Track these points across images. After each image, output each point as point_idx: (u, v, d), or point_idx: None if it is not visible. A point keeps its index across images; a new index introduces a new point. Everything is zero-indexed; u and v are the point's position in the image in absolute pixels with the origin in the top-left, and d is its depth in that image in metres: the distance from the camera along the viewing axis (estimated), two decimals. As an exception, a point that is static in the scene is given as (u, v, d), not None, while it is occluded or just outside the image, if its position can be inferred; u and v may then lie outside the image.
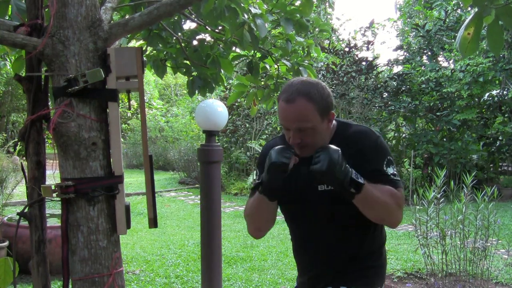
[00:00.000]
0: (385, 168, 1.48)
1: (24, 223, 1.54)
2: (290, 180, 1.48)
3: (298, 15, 2.54)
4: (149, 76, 17.29)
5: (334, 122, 1.57)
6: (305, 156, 1.45)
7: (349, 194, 1.39)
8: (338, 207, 1.51)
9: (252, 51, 2.78)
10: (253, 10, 2.35)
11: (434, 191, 3.75)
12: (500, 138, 9.90)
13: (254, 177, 1.42)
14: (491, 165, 10.33)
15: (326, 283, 1.58)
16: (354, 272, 1.57)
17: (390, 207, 1.45)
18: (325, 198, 1.51)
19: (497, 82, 9.61)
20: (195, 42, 2.78)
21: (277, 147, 1.44)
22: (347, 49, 10.22)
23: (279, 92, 3.02)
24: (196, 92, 2.92)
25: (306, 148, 1.47)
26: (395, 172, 1.50)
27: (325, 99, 1.46)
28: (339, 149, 1.38)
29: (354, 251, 1.57)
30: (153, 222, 1.42)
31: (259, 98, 3.15)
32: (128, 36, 2.65)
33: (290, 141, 1.46)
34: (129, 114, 17.07)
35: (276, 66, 2.98)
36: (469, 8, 8.36)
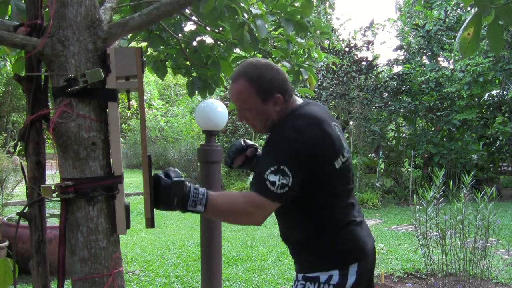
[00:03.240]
0: (268, 171, 1.42)
1: (24, 223, 1.54)
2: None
3: (298, 16, 2.54)
4: (149, 76, 17.28)
5: (300, 106, 1.56)
6: (260, 133, 1.55)
7: (194, 212, 1.43)
8: None
9: (252, 52, 2.78)
10: (253, 11, 2.35)
11: (433, 191, 3.75)
12: (500, 138, 9.90)
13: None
14: (491, 165, 10.33)
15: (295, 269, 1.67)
16: (297, 257, 1.64)
17: (234, 217, 1.51)
18: None
19: (497, 82, 9.61)
20: (195, 43, 2.78)
21: (231, 147, 1.74)
22: (347, 49, 10.22)
23: None
24: (196, 92, 2.92)
25: (254, 127, 1.59)
26: (279, 183, 1.41)
27: (266, 81, 1.50)
28: (168, 184, 1.38)
29: (296, 236, 1.62)
30: (150, 222, 1.42)
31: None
32: (129, 37, 2.66)
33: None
34: (129, 114, 17.07)
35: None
36: (469, 8, 8.36)
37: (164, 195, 1.38)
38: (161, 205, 1.40)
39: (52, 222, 4.19)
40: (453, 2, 10.55)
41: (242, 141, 1.82)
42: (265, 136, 9.52)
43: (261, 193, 1.43)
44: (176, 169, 1.45)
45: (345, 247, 1.56)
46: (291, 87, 1.60)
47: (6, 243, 4.05)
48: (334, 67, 9.72)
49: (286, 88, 1.55)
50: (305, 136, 1.46)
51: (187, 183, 1.41)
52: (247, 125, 11.12)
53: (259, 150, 1.82)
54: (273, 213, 1.60)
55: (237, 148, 1.80)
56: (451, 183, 4.41)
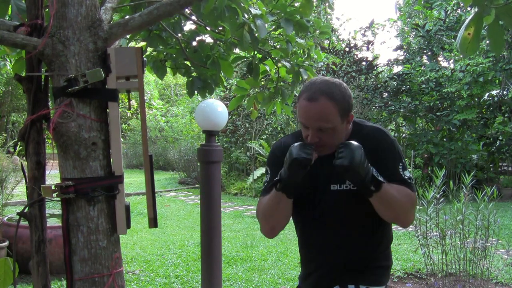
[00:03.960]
0: (401, 171, 1.49)
1: (24, 223, 1.54)
2: (304, 178, 1.48)
3: (298, 16, 2.53)
4: (149, 76, 17.28)
5: (369, 124, 1.60)
6: (321, 155, 1.47)
7: (369, 192, 1.40)
8: (350, 207, 1.52)
9: (252, 52, 2.78)
10: (253, 11, 2.35)
11: (433, 191, 3.75)
12: (500, 138, 9.90)
13: (256, 178, 1.44)
14: (491, 165, 10.33)
15: (333, 281, 1.58)
16: (362, 271, 1.58)
17: (405, 206, 1.46)
18: (337, 197, 1.52)
19: (497, 82, 9.61)
20: (195, 43, 2.78)
21: (297, 144, 1.44)
22: (347, 49, 10.22)
23: (280, 95, 3.03)
24: (196, 92, 2.92)
25: (323, 147, 1.48)
26: (411, 176, 1.51)
27: (346, 100, 1.47)
28: (361, 146, 1.39)
29: (363, 251, 1.58)
30: (153, 222, 1.42)
31: (260, 101, 3.15)
32: (128, 37, 2.65)
33: (308, 139, 1.45)
34: (129, 114, 17.07)
35: (276, 68, 2.98)
36: (469, 8, 8.37)
37: (362, 169, 1.36)
38: (363, 172, 1.37)
39: (52, 222, 4.20)
40: (453, 2, 10.55)
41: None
42: (265, 136, 9.44)
43: (414, 189, 1.48)
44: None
45: (392, 262, 1.67)
46: None
47: (6, 243, 4.05)
48: (334, 67, 9.72)
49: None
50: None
51: None
52: (247, 125, 11.15)
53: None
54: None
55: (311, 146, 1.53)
56: (451, 183, 4.42)
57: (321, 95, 1.43)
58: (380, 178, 1.39)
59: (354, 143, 1.39)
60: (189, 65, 2.85)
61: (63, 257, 1.40)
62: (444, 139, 9.97)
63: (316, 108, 1.43)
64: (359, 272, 1.58)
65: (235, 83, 7.64)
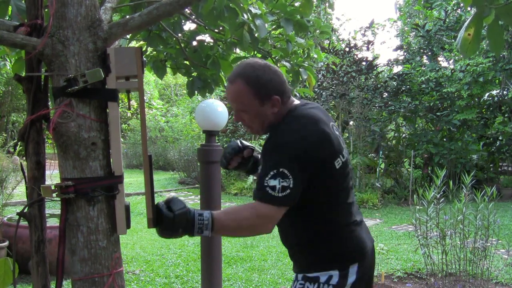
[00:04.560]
0: (268, 176, 1.41)
1: (24, 223, 1.54)
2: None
3: (298, 16, 2.53)
4: (149, 76, 17.29)
5: (296, 107, 1.56)
6: (256, 135, 1.54)
7: (203, 236, 1.47)
8: None
9: (252, 52, 2.78)
10: (253, 10, 2.35)
11: (434, 191, 3.75)
12: (500, 138, 9.90)
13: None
14: (491, 165, 10.33)
15: (293, 269, 1.67)
16: (296, 258, 1.64)
17: (243, 230, 1.49)
18: None
19: (497, 82, 9.61)
20: (195, 43, 2.78)
21: (227, 147, 1.65)
22: (347, 49, 10.22)
23: None
24: (196, 92, 2.92)
25: (251, 128, 1.57)
26: (279, 186, 1.40)
27: (264, 83, 1.48)
28: (172, 216, 1.38)
29: (296, 239, 1.61)
30: (151, 222, 1.42)
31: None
32: (128, 37, 2.65)
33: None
34: (129, 114, 17.07)
35: (276, 67, 2.97)
36: (469, 8, 8.37)
37: (168, 227, 1.39)
38: (166, 235, 1.40)
39: (52, 222, 4.19)
40: (453, 2, 10.55)
41: (239, 142, 1.79)
42: (265, 136, 9.53)
43: (264, 200, 1.42)
44: (178, 198, 1.44)
45: (345, 248, 1.55)
46: (289, 89, 1.59)
47: (6, 243, 4.06)
48: (334, 67, 9.72)
49: (284, 90, 1.54)
50: (302, 136, 1.45)
51: (190, 210, 1.40)
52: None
53: (257, 151, 1.81)
54: None
55: (233, 149, 1.76)
56: (451, 183, 4.42)
57: (236, 77, 1.49)
58: (206, 232, 1.39)
59: (165, 215, 1.38)
60: (189, 65, 2.85)
61: (57, 256, 1.40)
62: (444, 139, 9.97)
63: (231, 90, 1.51)
64: (295, 261, 1.65)
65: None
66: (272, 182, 1.40)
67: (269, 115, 1.53)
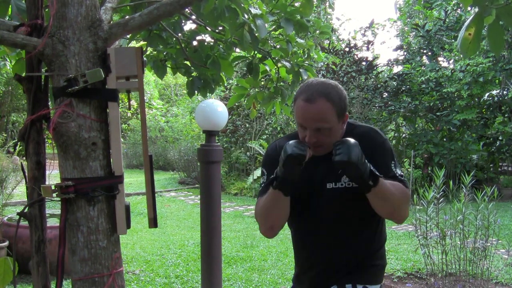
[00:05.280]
0: (393, 168, 1.53)
1: (24, 223, 1.54)
2: (302, 176, 1.50)
3: (298, 16, 2.53)
4: (149, 76, 17.29)
5: (349, 121, 1.62)
6: (318, 155, 1.49)
7: (367, 187, 1.42)
8: (345, 205, 1.54)
9: (252, 52, 2.78)
10: (253, 11, 2.35)
11: (434, 191, 3.75)
12: (500, 138, 9.90)
13: (256, 178, 1.46)
14: (491, 165, 10.32)
15: (330, 281, 1.59)
16: (357, 270, 1.59)
17: (400, 201, 1.49)
18: (332, 196, 1.54)
19: (497, 82, 9.61)
20: (195, 43, 2.78)
21: (291, 142, 1.45)
22: (347, 49, 10.22)
23: (279, 95, 3.03)
24: (196, 92, 2.92)
25: (320, 148, 1.50)
26: (402, 173, 1.55)
27: (343, 100, 1.50)
28: (357, 142, 1.41)
29: (358, 249, 1.59)
30: (153, 222, 1.42)
31: (259, 101, 3.15)
32: (129, 36, 2.65)
33: (306, 139, 1.47)
34: (129, 114, 17.07)
35: (276, 68, 2.98)
36: (469, 8, 8.36)
37: (361, 164, 1.38)
38: (360, 169, 1.38)
39: (52, 222, 4.19)
40: (453, 2, 10.55)
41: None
42: (265, 136, 9.47)
43: (406, 185, 1.52)
44: None
45: (386, 262, 1.69)
46: None
47: (6, 243, 4.05)
48: (334, 67, 9.72)
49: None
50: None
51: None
52: (247, 125, 11.15)
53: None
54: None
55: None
56: (451, 183, 4.42)
57: (319, 96, 1.46)
58: (377, 173, 1.42)
59: (351, 139, 1.41)
60: (189, 65, 2.85)
61: (57, 256, 1.40)
62: (444, 139, 9.97)
63: (314, 109, 1.45)
64: (355, 271, 1.59)
65: (236, 83, 7.64)
66: (399, 171, 1.55)
67: (340, 131, 1.54)
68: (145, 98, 1.50)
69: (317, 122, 1.46)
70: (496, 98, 9.23)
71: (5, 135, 13.62)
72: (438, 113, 9.81)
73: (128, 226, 1.46)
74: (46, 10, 1.64)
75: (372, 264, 1.61)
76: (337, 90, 1.49)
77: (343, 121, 1.53)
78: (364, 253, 1.60)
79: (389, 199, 1.46)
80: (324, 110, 1.45)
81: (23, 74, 1.52)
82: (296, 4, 2.63)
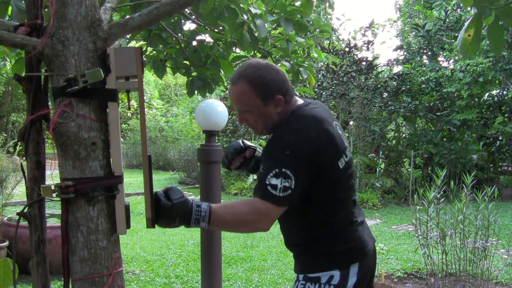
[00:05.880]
0: (269, 175, 1.41)
1: (24, 223, 1.54)
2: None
3: (298, 16, 2.53)
4: (149, 76, 17.30)
5: (300, 107, 1.55)
6: (259, 135, 1.53)
7: (199, 227, 1.42)
8: None
9: (252, 52, 2.78)
10: (253, 11, 2.35)
11: (434, 191, 3.75)
12: (500, 138, 9.90)
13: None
14: (491, 165, 10.33)
15: (294, 270, 1.67)
16: (297, 258, 1.64)
17: (240, 225, 1.48)
18: None
19: (497, 82, 9.61)
20: (194, 43, 2.78)
21: (229, 147, 1.68)
22: (347, 49, 10.21)
23: None
24: (196, 92, 2.92)
25: (255, 129, 1.57)
26: (281, 186, 1.39)
27: (266, 83, 1.49)
28: (169, 205, 1.38)
29: (298, 240, 1.62)
30: (151, 222, 1.42)
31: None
32: (128, 36, 2.65)
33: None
34: (129, 114, 17.08)
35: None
36: (469, 8, 8.37)
37: (165, 216, 1.38)
38: (162, 224, 1.41)
39: (52, 222, 4.20)
40: (453, 2, 10.55)
41: (240, 141, 1.79)
42: (265, 136, 9.48)
43: (264, 198, 1.41)
44: (177, 188, 1.43)
45: (346, 247, 1.55)
46: (292, 88, 1.59)
47: (6, 243, 4.05)
48: (334, 67, 9.72)
49: (287, 89, 1.54)
50: (306, 137, 1.44)
51: (188, 201, 1.40)
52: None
53: (258, 152, 1.81)
54: None
55: (235, 149, 1.77)
56: (452, 183, 4.41)
57: (239, 78, 1.50)
58: (203, 224, 1.39)
59: (163, 204, 1.38)
60: (189, 65, 2.85)
61: (62, 256, 1.40)
62: (444, 139, 9.97)
63: (235, 91, 1.51)
64: (296, 260, 1.64)
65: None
66: (274, 181, 1.40)
67: (273, 114, 1.53)
68: (145, 98, 1.51)
69: (237, 103, 1.52)
70: (496, 98, 9.23)
71: (5, 135, 13.63)
72: (438, 113, 9.81)
73: (128, 226, 1.46)
74: (46, 10, 1.64)
75: (307, 251, 1.58)
76: (261, 72, 1.49)
77: (276, 104, 1.51)
78: (302, 242, 1.59)
79: (227, 228, 1.51)
80: (241, 92, 1.49)
81: (23, 74, 1.51)
82: (296, 4, 2.64)
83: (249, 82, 1.48)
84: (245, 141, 1.81)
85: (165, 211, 1.38)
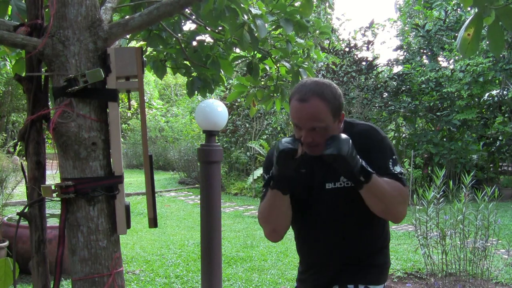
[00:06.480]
0: (391, 166, 1.51)
1: (24, 223, 1.54)
2: (298, 176, 1.53)
3: (298, 16, 2.53)
4: (149, 76, 17.30)
5: (347, 120, 1.62)
6: (315, 154, 1.49)
7: (358, 183, 1.41)
8: (345, 204, 1.54)
9: (252, 52, 2.78)
10: (253, 11, 2.35)
11: (434, 191, 3.75)
12: (500, 138, 9.90)
13: (256, 178, 1.44)
14: (491, 165, 10.33)
15: (331, 280, 1.60)
16: (359, 270, 1.59)
17: (396, 200, 1.47)
18: (332, 196, 1.54)
19: (497, 82, 9.61)
20: (195, 43, 2.78)
21: (283, 139, 1.47)
22: (347, 49, 10.22)
23: (279, 93, 3.03)
24: (196, 92, 2.92)
25: (316, 147, 1.49)
26: (401, 171, 1.53)
27: (337, 99, 1.49)
28: (349, 138, 1.41)
29: (359, 249, 1.60)
30: (153, 222, 1.42)
31: (259, 99, 3.15)
32: (128, 36, 2.65)
33: (302, 139, 1.47)
34: (129, 114, 17.08)
35: (276, 67, 2.98)
36: (469, 9, 8.36)
37: (351, 158, 1.38)
38: (350, 164, 1.38)
39: (52, 222, 4.19)
40: (453, 2, 10.55)
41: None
42: (265, 136, 9.43)
43: (404, 184, 1.50)
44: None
45: (390, 262, 1.68)
46: None
47: (6, 243, 4.05)
48: (334, 67, 9.72)
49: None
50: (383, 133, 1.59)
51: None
52: (247, 125, 11.15)
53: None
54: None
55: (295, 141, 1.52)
56: (451, 183, 4.41)
57: (312, 95, 1.46)
58: (369, 169, 1.41)
59: (342, 135, 1.42)
60: (189, 65, 2.85)
61: (56, 256, 1.40)
62: (444, 139, 9.97)
63: (309, 109, 1.45)
64: (356, 271, 1.59)
65: (236, 82, 7.63)
66: (398, 169, 1.52)
67: (336, 131, 1.52)
68: (145, 98, 1.51)
69: (311, 121, 1.46)
70: (496, 98, 9.23)
71: (5, 135, 13.63)
72: (438, 113, 9.81)
73: (128, 226, 1.46)
74: (46, 10, 1.64)
75: (373, 263, 1.60)
76: (331, 89, 1.49)
77: (339, 120, 1.53)
78: (365, 252, 1.60)
79: (382, 196, 1.45)
80: (318, 109, 1.45)
81: (23, 74, 1.52)
82: (296, 4, 2.63)
83: (323, 99, 1.46)
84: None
85: (353, 156, 1.38)
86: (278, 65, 2.94)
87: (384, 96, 10.01)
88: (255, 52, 2.78)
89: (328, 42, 11.04)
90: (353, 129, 1.57)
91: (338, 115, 1.50)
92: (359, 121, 1.64)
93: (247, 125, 11.03)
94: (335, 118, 1.49)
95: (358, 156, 1.40)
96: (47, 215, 1.61)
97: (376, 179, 1.42)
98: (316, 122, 1.46)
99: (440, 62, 10.88)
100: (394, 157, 1.53)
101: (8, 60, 3.67)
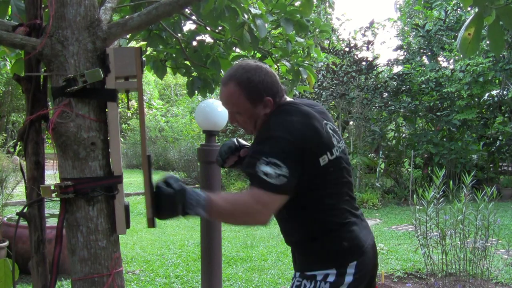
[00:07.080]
0: (259, 164, 1.40)
1: (24, 223, 1.54)
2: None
3: (298, 16, 2.53)
4: (149, 76, 17.30)
5: (287, 103, 1.57)
6: (250, 134, 1.57)
7: (201, 216, 1.41)
8: None
9: (252, 52, 2.78)
10: (253, 11, 2.35)
11: (433, 191, 3.75)
12: (500, 138, 9.90)
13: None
14: (491, 165, 10.33)
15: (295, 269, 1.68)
16: (300, 257, 1.64)
17: (240, 215, 1.45)
18: None
19: (497, 82, 9.61)
20: (195, 43, 2.78)
21: (223, 145, 1.71)
22: (347, 49, 10.21)
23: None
24: (196, 92, 2.92)
25: (245, 129, 1.59)
26: (273, 173, 1.38)
27: (255, 84, 1.50)
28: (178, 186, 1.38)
29: (294, 238, 1.64)
30: (151, 222, 1.42)
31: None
32: (128, 36, 2.65)
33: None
34: (129, 114, 17.09)
35: (276, 67, 2.98)
36: (469, 8, 8.36)
37: (169, 203, 1.36)
38: (165, 213, 1.39)
39: (52, 222, 4.18)
40: (453, 2, 10.55)
41: (235, 140, 1.79)
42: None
43: (262, 187, 1.38)
44: (175, 175, 1.44)
45: (342, 246, 1.55)
46: (283, 89, 1.59)
47: (6, 243, 4.05)
48: (334, 67, 9.72)
49: (277, 91, 1.55)
50: (290, 130, 1.45)
51: (188, 188, 1.40)
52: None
53: None
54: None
55: (230, 148, 1.77)
56: (451, 183, 4.41)
57: (229, 80, 1.51)
58: (201, 211, 1.37)
59: (165, 192, 1.37)
60: (189, 65, 2.85)
61: (52, 256, 1.39)
62: (444, 139, 9.97)
63: (224, 93, 1.53)
64: (298, 259, 1.64)
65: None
66: (265, 168, 1.38)
67: (262, 115, 1.55)
68: (145, 98, 1.51)
69: (227, 105, 1.54)
70: (496, 98, 9.23)
71: (5, 135, 13.63)
72: (438, 113, 9.81)
73: (128, 226, 1.46)
74: (45, 10, 1.64)
75: (309, 251, 1.59)
76: (250, 73, 1.50)
77: (264, 105, 1.52)
78: (300, 241, 1.61)
79: (228, 217, 1.48)
80: (231, 93, 1.50)
81: (22, 74, 1.51)
82: (296, 4, 2.63)
83: (238, 84, 1.50)
84: (239, 139, 1.81)
85: (169, 198, 1.35)
86: (278, 64, 2.94)
87: (384, 96, 10.01)
88: (255, 51, 2.78)
89: (328, 42, 11.03)
90: (273, 112, 1.54)
91: (257, 100, 1.51)
92: (292, 107, 1.54)
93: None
94: (254, 103, 1.51)
95: (190, 196, 1.37)
96: (46, 215, 1.61)
97: (214, 206, 1.38)
98: (230, 106, 1.54)
99: (440, 62, 10.88)
100: (271, 159, 1.39)
101: (8, 60, 3.67)
